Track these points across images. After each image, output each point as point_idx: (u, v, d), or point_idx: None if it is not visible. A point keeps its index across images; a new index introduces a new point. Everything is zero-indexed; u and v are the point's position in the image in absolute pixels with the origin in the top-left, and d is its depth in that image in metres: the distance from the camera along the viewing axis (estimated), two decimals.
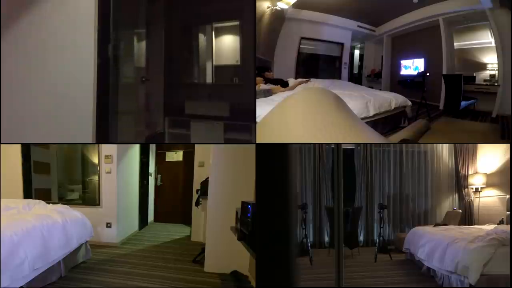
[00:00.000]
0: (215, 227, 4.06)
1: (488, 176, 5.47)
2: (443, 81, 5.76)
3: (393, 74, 7.12)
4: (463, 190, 5.67)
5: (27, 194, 5.45)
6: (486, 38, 5.44)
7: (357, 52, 7.90)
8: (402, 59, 6.90)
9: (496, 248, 3.28)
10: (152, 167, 7.72)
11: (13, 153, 5.33)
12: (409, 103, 5.32)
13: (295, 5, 6.40)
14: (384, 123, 4.84)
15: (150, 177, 7.56)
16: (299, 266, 3.33)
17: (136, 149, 6.53)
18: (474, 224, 5.20)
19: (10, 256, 2.71)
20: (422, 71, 6.22)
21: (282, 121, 1.86)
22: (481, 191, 5.51)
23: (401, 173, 5.83)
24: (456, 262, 3.36)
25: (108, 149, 5.53)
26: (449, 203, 5.81)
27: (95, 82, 2.75)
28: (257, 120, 3.56)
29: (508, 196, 4.98)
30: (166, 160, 8.04)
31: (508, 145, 4.80)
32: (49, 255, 3.28)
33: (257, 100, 4.15)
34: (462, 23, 5.72)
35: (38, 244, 3.11)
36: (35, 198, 5.08)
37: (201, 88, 5.11)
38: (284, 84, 5.33)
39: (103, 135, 2.84)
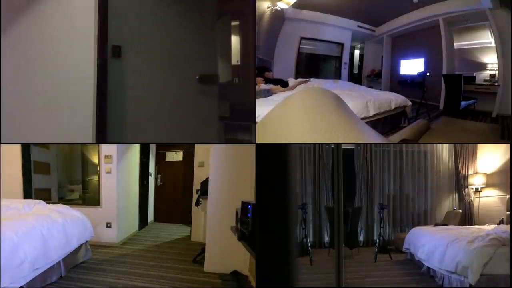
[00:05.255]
0: (215, 227, 4.05)
1: (488, 176, 5.47)
2: (443, 81, 5.76)
3: (393, 74, 7.12)
4: (463, 190, 5.67)
5: (27, 194, 5.45)
6: (486, 38, 5.44)
7: (357, 52, 7.90)
8: (402, 59, 6.90)
9: (496, 248, 3.28)
10: (152, 167, 7.72)
11: (13, 153, 5.33)
12: (409, 103, 5.32)
13: (295, 5, 6.41)
14: (384, 123, 4.84)
15: (150, 177, 7.56)
16: (299, 266, 3.33)
17: (136, 149, 6.53)
18: (474, 224, 5.20)
19: (10, 256, 2.72)
20: (422, 71, 6.22)
21: (282, 121, 1.86)
22: (481, 191, 5.51)
23: (401, 173, 5.82)
24: (456, 262, 3.36)
25: (108, 149, 5.53)
26: (449, 203, 5.81)
27: (95, 82, 2.75)
28: (257, 120, 3.56)
29: (508, 196, 4.97)
30: (166, 160, 8.04)
31: (508, 145, 4.80)
32: (49, 255, 3.28)
33: (257, 100, 4.15)
34: (462, 23, 5.72)
35: (38, 244, 3.11)
36: (35, 198, 5.08)
37: None
38: (284, 84, 5.33)
39: (103, 135, 2.84)
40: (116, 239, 5.42)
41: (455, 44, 5.93)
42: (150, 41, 3.04)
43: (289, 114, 1.86)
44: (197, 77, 3.22)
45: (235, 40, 5.03)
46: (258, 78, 5.00)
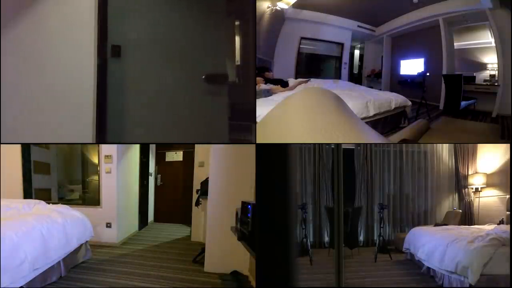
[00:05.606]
0: (215, 227, 4.05)
1: (488, 176, 5.47)
2: (443, 81, 5.76)
3: (393, 74, 7.12)
4: (463, 190, 5.67)
5: (27, 194, 5.45)
6: (486, 38, 5.44)
7: (357, 52, 7.90)
8: (402, 59, 6.90)
9: (496, 248, 3.28)
10: (152, 167, 7.72)
11: (13, 153, 5.33)
12: (409, 103, 5.32)
13: (295, 5, 6.41)
14: (384, 123, 4.84)
15: (150, 177, 7.56)
16: (299, 266, 3.33)
17: (136, 149, 6.52)
18: (474, 224, 5.20)
19: (10, 256, 2.72)
20: (422, 71, 6.22)
21: (282, 121, 1.86)
22: (481, 191, 5.51)
23: (401, 173, 5.82)
24: (456, 262, 3.36)
25: (108, 149, 5.53)
26: (449, 203, 5.81)
27: (95, 82, 2.75)
28: (257, 120, 3.56)
29: (508, 196, 4.98)
30: (166, 160, 8.04)
31: (508, 145, 4.80)
32: (49, 255, 3.28)
33: (257, 100, 4.15)
34: (462, 23, 5.72)
35: (38, 244, 3.11)
36: (35, 198, 5.08)
37: None
38: (284, 84, 5.33)
39: (103, 135, 2.83)
40: (116, 239, 5.42)
41: (455, 44, 5.93)
42: (150, 41, 3.03)
43: (289, 114, 1.86)
44: (203, 77, 3.17)
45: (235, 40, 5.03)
46: (258, 78, 5.00)
